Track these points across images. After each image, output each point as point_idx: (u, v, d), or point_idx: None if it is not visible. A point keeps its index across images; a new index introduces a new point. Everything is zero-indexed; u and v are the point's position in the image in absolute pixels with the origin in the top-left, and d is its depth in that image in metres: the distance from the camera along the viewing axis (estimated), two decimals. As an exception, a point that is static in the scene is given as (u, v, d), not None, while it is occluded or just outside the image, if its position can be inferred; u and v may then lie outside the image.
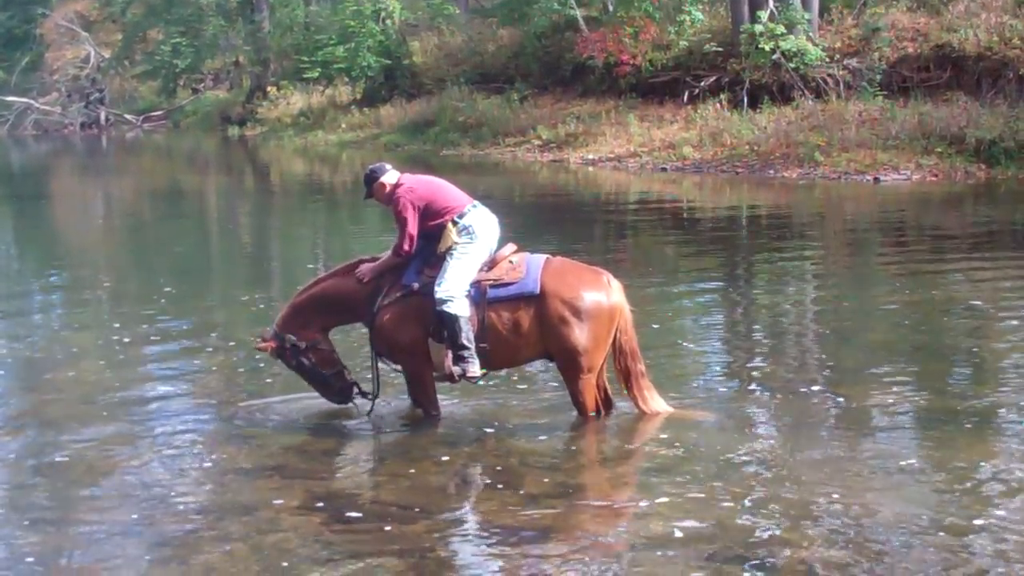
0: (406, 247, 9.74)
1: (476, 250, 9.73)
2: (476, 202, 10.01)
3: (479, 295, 9.63)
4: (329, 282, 10.16)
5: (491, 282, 9.66)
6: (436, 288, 9.53)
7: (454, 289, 9.52)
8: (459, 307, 9.51)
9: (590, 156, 35.35)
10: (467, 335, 9.54)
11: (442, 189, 10.00)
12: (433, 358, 9.77)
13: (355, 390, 10.24)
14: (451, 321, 9.50)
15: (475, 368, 9.64)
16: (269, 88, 55.04)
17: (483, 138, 39.93)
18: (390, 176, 9.98)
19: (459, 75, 45.07)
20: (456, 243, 9.68)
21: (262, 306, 14.86)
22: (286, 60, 55.75)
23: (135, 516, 8.12)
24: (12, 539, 7.79)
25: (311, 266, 19.12)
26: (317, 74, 50.83)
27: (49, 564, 7.40)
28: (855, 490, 8.30)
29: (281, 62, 56.77)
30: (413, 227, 9.73)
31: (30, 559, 7.46)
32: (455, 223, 9.74)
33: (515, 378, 11.10)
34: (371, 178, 10.01)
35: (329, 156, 43.55)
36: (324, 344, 10.16)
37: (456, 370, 9.61)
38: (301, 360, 10.09)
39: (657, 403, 9.97)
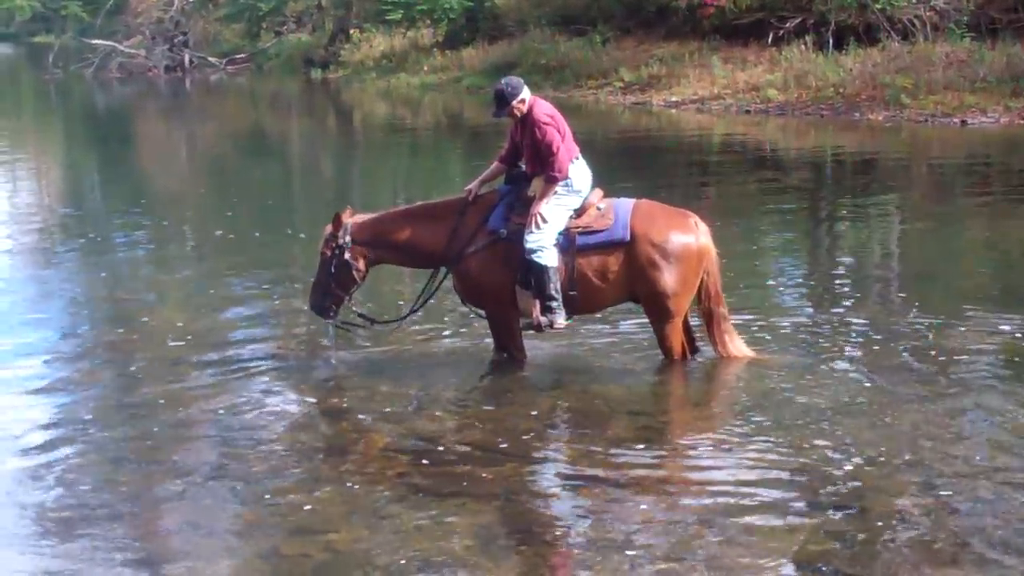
0: (561, 175, 9.53)
1: (570, 202, 9.66)
2: (579, 154, 9.92)
3: (568, 243, 9.59)
4: (418, 229, 9.96)
5: (580, 229, 9.61)
6: (526, 236, 9.47)
7: (544, 239, 9.47)
8: (549, 257, 9.48)
9: (673, 99, 35.05)
10: (555, 286, 9.52)
11: (568, 131, 9.83)
12: (520, 305, 9.76)
13: (332, 315, 10.14)
14: (540, 271, 9.47)
15: (561, 320, 9.64)
16: (352, 31, 55.02)
17: (565, 80, 39.66)
18: (527, 93, 9.74)
19: (541, 17, 44.80)
20: (554, 192, 9.64)
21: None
22: (368, 2, 55.64)
23: (223, 458, 8.26)
24: (101, 477, 7.95)
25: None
26: (399, 16, 50.70)
27: (137, 502, 7.54)
28: (944, 437, 8.24)
29: (363, 4, 56.65)
30: (564, 154, 9.58)
31: (119, 497, 7.61)
32: None
33: (599, 322, 11.08)
34: (511, 95, 9.64)
35: (411, 99, 43.54)
36: (357, 271, 10.00)
37: (543, 320, 9.60)
38: (333, 260, 9.95)
39: (739, 346, 9.94)
